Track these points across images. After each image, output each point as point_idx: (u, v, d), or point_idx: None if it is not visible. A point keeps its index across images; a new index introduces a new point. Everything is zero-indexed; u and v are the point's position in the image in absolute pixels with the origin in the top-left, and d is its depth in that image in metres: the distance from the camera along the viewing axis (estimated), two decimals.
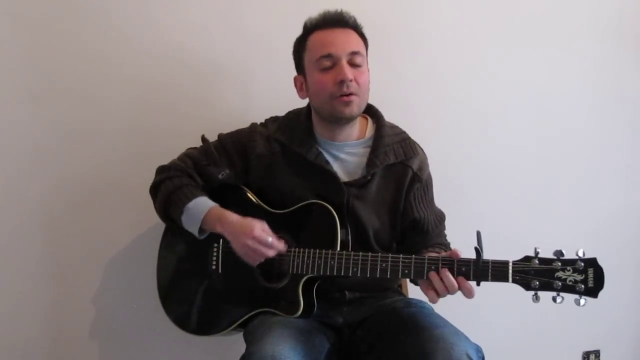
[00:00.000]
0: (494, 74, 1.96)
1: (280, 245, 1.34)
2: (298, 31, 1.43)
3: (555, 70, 2.02)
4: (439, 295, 1.23)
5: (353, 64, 1.36)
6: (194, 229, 1.40)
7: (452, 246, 1.46)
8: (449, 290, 1.21)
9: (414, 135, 1.51)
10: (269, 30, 1.74)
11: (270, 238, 1.32)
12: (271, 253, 1.33)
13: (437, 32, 1.90)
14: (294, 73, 1.46)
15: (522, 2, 1.98)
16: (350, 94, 1.35)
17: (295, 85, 1.46)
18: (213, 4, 1.70)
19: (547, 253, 1.15)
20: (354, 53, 1.36)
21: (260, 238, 1.31)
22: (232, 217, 1.37)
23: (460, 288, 1.20)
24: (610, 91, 2.10)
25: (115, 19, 1.64)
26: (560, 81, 2.03)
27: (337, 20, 1.39)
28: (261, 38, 1.74)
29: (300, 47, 1.43)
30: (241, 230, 1.33)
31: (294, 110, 1.52)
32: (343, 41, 1.37)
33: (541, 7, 1.99)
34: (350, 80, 1.34)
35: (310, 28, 1.41)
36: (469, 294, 1.20)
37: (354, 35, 1.39)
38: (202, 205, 1.39)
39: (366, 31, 1.42)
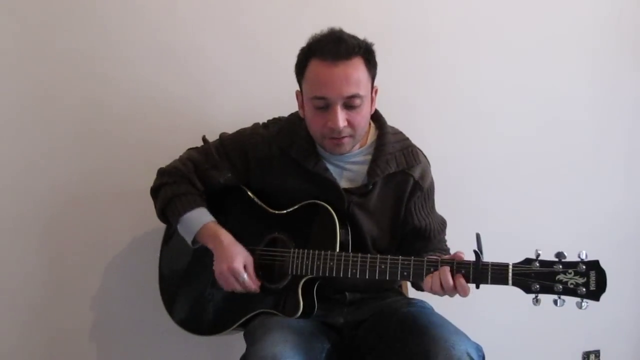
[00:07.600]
0: (493, 74, 1.95)
1: (252, 286, 1.35)
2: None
3: (555, 70, 2.02)
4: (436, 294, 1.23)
5: (349, 106, 1.28)
6: (187, 240, 1.41)
7: (453, 247, 1.45)
8: (444, 285, 1.19)
9: (414, 135, 1.49)
10: (269, 29, 1.73)
11: (245, 275, 1.34)
12: (239, 289, 1.35)
13: (437, 31, 1.89)
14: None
15: (522, 1, 1.96)
16: (343, 137, 1.31)
17: (297, 100, 1.38)
18: (212, 4, 1.69)
19: (548, 253, 1.14)
20: (351, 97, 1.26)
21: (236, 271, 1.33)
22: (225, 238, 1.37)
23: (455, 286, 1.19)
24: (610, 91, 2.09)
25: (116, 20, 1.63)
26: (560, 81, 2.03)
27: (338, 53, 1.23)
28: (261, 37, 1.73)
29: (300, 68, 1.32)
30: (225, 256, 1.35)
31: (296, 113, 1.45)
32: (340, 83, 1.24)
33: (541, 6, 1.98)
34: (343, 127, 1.28)
35: (310, 53, 1.28)
36: (462, 291, 1.19)
37: (356, 71, 1.25)
38: (198, 218, 1.40)
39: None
